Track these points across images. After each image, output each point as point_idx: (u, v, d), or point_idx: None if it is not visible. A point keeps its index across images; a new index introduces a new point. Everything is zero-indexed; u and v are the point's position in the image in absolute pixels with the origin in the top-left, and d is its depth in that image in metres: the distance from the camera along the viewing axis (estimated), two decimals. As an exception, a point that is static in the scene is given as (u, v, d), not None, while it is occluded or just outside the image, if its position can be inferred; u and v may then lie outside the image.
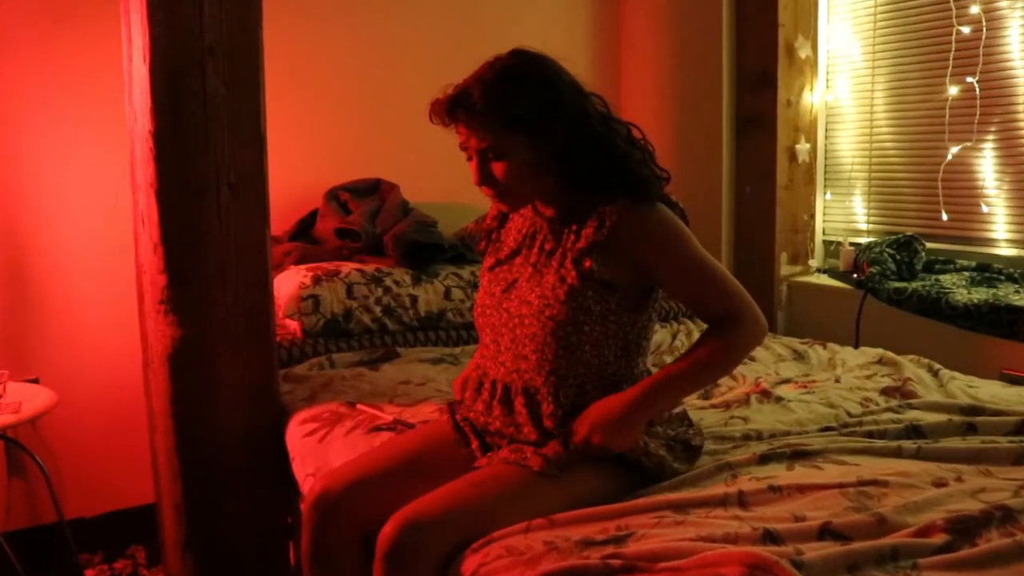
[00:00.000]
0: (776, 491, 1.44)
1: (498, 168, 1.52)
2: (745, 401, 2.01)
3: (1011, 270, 2.60)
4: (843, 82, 3.08)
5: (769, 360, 2.47)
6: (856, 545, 1.23)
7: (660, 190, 1.58)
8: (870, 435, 1.76)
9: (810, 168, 3.14)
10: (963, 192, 2.73)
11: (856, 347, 2.59)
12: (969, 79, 2.65)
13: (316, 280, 2.50)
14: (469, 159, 1.55)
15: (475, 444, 1.64)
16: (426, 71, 2.95)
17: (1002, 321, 2.33)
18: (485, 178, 1.54)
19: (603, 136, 1.55)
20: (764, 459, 1.59)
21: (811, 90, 3.10)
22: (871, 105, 2.99)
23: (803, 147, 3.09)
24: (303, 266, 2.60)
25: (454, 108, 1.51)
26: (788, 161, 3.09)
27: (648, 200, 1.54)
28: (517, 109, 1.48)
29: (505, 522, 1.39)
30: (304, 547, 1.60)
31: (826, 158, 3.17)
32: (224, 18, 1.94)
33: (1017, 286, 2.51)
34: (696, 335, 2.74)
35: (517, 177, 1.53)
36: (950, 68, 2.69)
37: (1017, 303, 2.33)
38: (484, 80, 1.50)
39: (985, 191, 2.68)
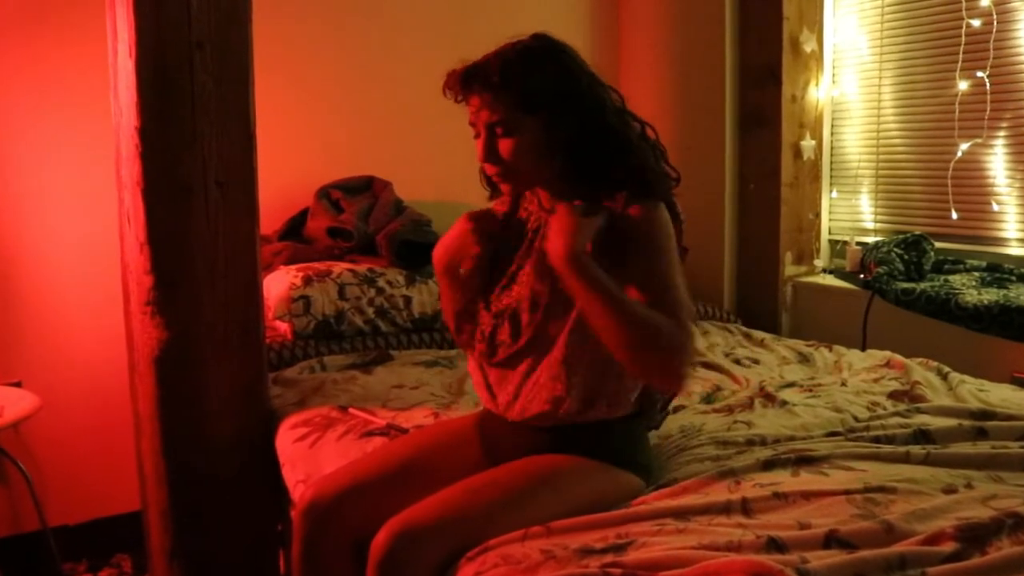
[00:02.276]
0: (781, 498, 1.43)
1: (505, 145, 1.51)
2: (749, 405, 2.00)
3: (1023, 270, 2.57)
4: (850, 77, 3.06)
5: (773, 363, 2.47)
6: (863, 553, 1.22)
7: (668, 191, 1.56)
8: (877, 440, 1.74)
9: (816, 165, 3.12)
10: (973, 190, 2.71)
11: (863, 349, 2.57)
12: (979, 74, 2.62)
13: (307, 281, 2.49)
14: (476, 136, 1.54)
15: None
16: (420, 66, 2.94)
17: (1013, 323, 2.29)
18: (490, 154, 1.53)
19: (618, 128, 1.54)
20: (768, 465, 1.58)
21: (817, 85, 3.09)
22: (878, 101, 2.96)
23: (808, 144, 3.08)
24: (294, 266, 2.60)
25: (470, 79, 1.50)
26: (793, 158, 3.07)
27: (654, 197, 1.51)
28: (533, 87, 1.48)
29: (502, 529, 1.37)
30: (295, 555, 1.58)
31: (832, 155, 3.16)
32: (212, 11, 1.92)
33: (1029, 286, 2.47)
34: (698, 338, 2.70)
35: (523, 157, 1.51)
36: (960, 62, 2.66)
37: (1029, 304, 2.30)
38: (504, 55, 1.50)
39: (996, 189, 2.65)
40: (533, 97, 1.48)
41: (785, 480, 1.50)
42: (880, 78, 2.94)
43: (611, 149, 1.52)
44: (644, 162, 1.53)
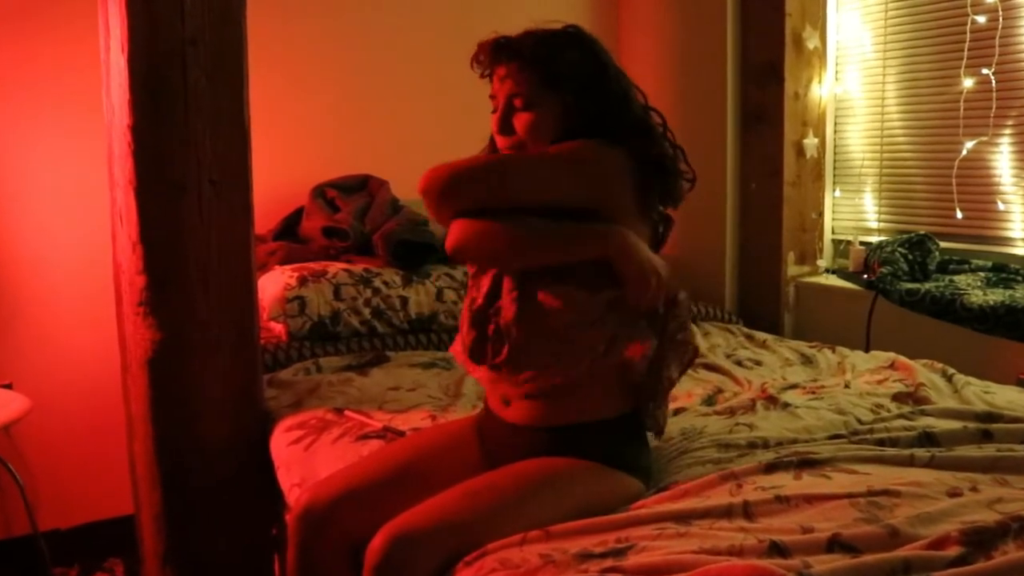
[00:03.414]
0: (783, 501, 1.41)
1: (522, 120, 1.53)
2: (751, 407, 1.98)
3: (1028, 270, 2.55)
4: (853, 74, 3.05)
5: (776, 364, 2.45)
6: (866, 558, 1.21)
7: (682, 186, 1.57)
8: (881, 443, 1.72)
9: (818, 164, 3.11)
10: (978, 189, 2.69)
11: (866, 351, 2.55)
12: (985, 71, 2.61)
13: (302, 281, 2.48)
14: (493, 111, 1.57)
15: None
16: (417, 64, 2.92)
17: (1019, 324, 2.27)
18: (504, 126, 1.55)
19: (643, 119, 1.57)
20: (770, 468, 1.56)
21: (820, 82, 3.07)
22: (882, 98, 2.95)
23: (811, 142, 3.07)
24: (288, 266, 2.58)
25: (500, 49, 1.54)
26: (796, 157, 3.06)
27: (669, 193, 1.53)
28: (561, 66, 1.52)
29: (500, 534, 1.36)
30: (290, 560, 1.57)
31: (835, 153, 3.15)
32: (206, 7, 1.91)
33: (1035, 286, 2.45)
34: (699, 338, 2.69)
35: (536, 133, 1.53)
36: (965, 59, 2.65)
37: (1035, 304, 2.27)
38: (538, 32, 1.55)
39: (1001, 188, 2.63)
40: (559, 76, 1.51)
41: (787, 483, 1.48)
42: (884, 75, 2.93)
43: (632, 139, 1.53)
44: (663, 153, 1.54)
